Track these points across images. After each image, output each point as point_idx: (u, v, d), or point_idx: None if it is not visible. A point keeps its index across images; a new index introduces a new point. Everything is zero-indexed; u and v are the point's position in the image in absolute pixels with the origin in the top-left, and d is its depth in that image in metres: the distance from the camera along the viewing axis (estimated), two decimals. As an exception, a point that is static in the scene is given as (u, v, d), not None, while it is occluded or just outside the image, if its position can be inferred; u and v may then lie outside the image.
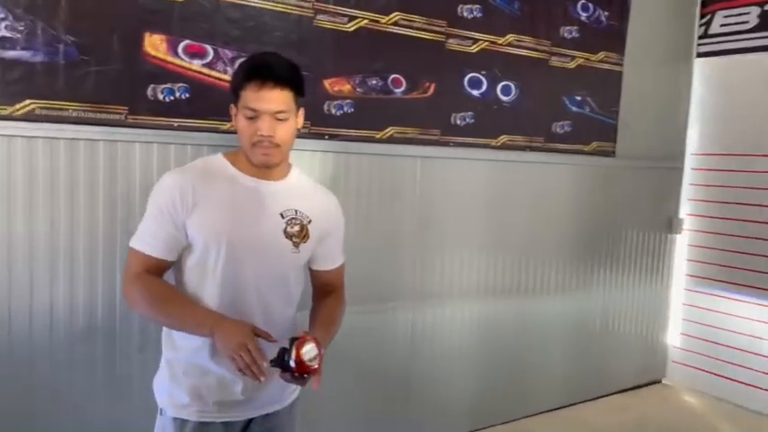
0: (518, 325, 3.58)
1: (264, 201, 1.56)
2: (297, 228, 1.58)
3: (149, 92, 2.35)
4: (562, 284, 3.73)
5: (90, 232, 2.27)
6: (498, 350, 3.51)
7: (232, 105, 1.57)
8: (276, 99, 1.47)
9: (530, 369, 3.68)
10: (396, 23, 2.91)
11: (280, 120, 1.49)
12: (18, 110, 2.12)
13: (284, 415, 1.70)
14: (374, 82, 2.89)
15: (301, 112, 1.59)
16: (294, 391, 1.74)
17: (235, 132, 1.58)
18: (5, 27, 2.07)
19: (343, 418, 2.98)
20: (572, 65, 3.59)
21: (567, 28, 3.55)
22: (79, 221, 2.26)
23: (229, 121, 2.51)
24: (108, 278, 2.32)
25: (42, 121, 2.16)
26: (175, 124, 2.42)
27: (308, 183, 1.71)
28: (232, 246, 1.50)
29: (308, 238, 1.59)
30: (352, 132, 2.86)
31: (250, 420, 1.63)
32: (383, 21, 2.87)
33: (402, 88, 2.98)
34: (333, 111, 2.79)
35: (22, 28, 2.10)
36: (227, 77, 2.50)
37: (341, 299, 1.76)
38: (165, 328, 1.59)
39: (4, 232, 2.13)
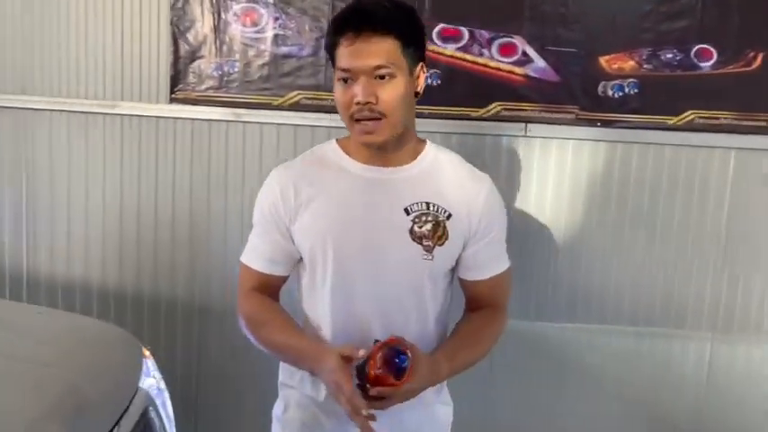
0: None
1: (383, 194, 1.22)
2: (429, 226, 1.20)
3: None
4: None
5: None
6: None
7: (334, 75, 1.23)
8: (373, 51, 1.11)
9: None
10: (705, -23, 2.30)
11: (381, 79, 1.13)
12: (287, 100, 2.35)
13: None
14: (669, 55, 2.34)
15: (420, 69, 1.20)
16: None
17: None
18: (279, 26, 2.31)
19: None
20: None
21: None
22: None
23: (481, 106, 2.37)
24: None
25: (306, 111, 2.34)
26: (426, 112, 2.36)
27: (451, 164, 1.29)
28: (341, 254, 1.21)
29: (445, 238, 1.21)
30: (635, 118, 2.37)
31: None
32: (686, -24, 2.30)
33: (711, 61, 2.35)
34: (609, 92, 2.36)
35: (292, 26, 2.31)
36: (482, 60, 2.34)
37: (494, 318, 1.32)
38: None
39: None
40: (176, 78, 2.32)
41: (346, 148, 1.26)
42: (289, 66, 2.33)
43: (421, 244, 1.20)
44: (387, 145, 1.20)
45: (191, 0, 2.27)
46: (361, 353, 1.04)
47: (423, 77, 1.21)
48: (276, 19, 2.30)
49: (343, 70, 1.15)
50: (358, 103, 1.13)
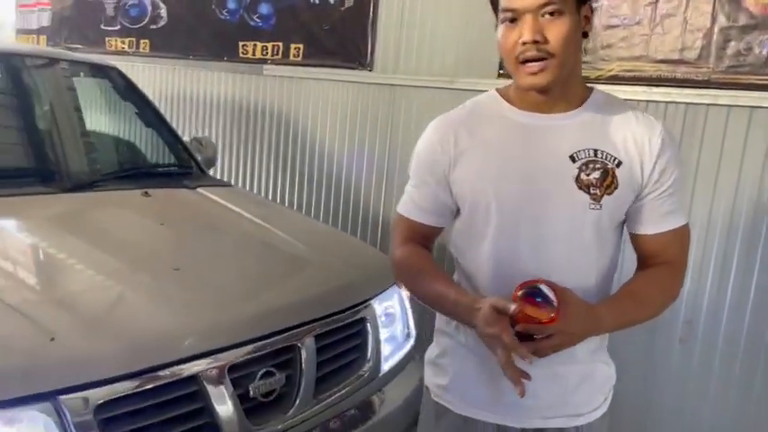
0: None
1: (546, 141, 1.15)
2: (597, 174, 1.13)
3: (742, 46, 1.97)
4: None
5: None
6: None
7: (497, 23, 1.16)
8: None
9: None
10: None
11: (549, 17, 1.07)
12: (606, 73, 2.26)
13: None
14: None
15: (588, 9, 1.12)
16: (600, 404, 1.24)
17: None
18: None
19: None
20: None
21: None
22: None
23: None
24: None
25: (623, 84, 2.22)
26: (772, 83, 1.93)
27: (621, 110, 1.18)
28: (502, 204, 1.16)
29: (614, 187, 1.13)
30: None
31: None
32: None
33: None
34: None
35: None
36: None
37: (668, 275, 1.18)
38: None
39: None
40: (505, 56, 2.50)
41: (507, 96, 1.21)
42: (613, 37, 2.24)
43: (588, 192, 1.13)
44: (552, 87, 1.12)
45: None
46: (513, 307, 1.03)
47: (591, 17, 1.14)
48: None
49: (508, 10, 1.10)
50: (524, 43, 1.07)
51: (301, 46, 3.20)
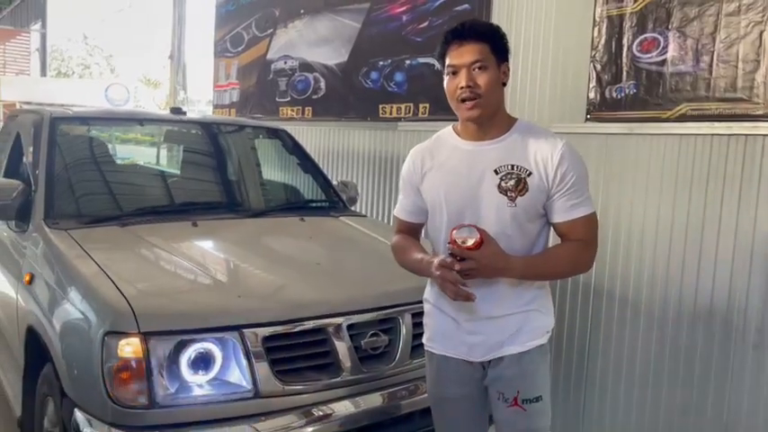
0: None
1: (479, 161, 1.63)
2: (512, 182, 1.59)
3: (789, 82, 2.27)
4: None
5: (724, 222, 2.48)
6: None
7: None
8: (471, 51, 1.57)
9: None
10: None
11: (478, 70, 1.57)
12: (675, 113, 2.62)
13: (515, 363, 1.66)
14: None
15: (505, 66, 1.62)
16: (537, 338, 1.68)
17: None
18: (675, 48, 2.62)
19: None
20: None
21: None
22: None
23: None
24: (724, 266, 2.44)
25: (691, 121, 2.56)
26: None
27: (536, 135, 1.64)
28: (450, 204, 1.64)
29: (525, 190, 1.59)
30: None
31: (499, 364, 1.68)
32: None
33: None
34: None
35: (687, 45, 2.59)
36: None
37: (575, 247, 1.63)
38: None
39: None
40: (591, 102, 2.93)
41: (456, 130, 1.72)
42: (680, 82, 2.60)
43: (506, 195, 1.61)
44: (483, 120, 1.62)
45: (604, 41, 2.85)
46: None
47: (508, 73, 1.66)
48: (670, 42, 2.62)
49: (450, 66, 1.62)
50: (462, 88, 1.59)
51: (428, 105, 3.87)
